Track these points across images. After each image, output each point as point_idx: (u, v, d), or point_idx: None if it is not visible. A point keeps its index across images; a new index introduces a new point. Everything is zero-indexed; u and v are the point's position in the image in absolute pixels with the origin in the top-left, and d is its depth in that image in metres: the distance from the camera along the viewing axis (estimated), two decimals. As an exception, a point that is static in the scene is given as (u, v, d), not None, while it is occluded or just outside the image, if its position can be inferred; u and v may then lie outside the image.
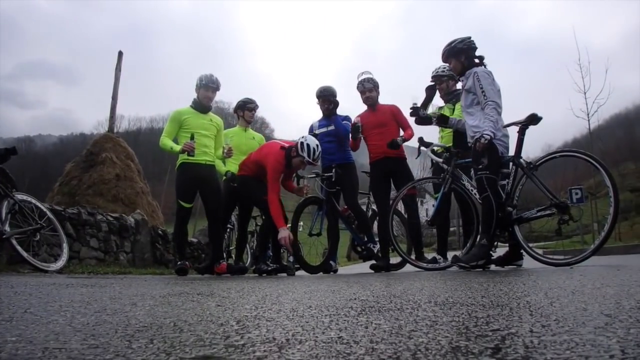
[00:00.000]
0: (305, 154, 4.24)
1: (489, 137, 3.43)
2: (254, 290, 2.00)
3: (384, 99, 4.93)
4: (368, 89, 4.75)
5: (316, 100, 5.05)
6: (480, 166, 3.52)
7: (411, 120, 4.52)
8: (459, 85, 4.45)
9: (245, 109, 5.23)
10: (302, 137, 4.37)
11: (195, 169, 4.40)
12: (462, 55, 3.82)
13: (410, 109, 4.31)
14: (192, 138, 4.33)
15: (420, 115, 4.24)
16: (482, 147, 3.46)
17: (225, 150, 4.60)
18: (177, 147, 4.32)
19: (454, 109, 4.45)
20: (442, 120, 4.09)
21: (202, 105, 4.61)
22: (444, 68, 4.48)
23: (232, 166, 4.97)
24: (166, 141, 4.40)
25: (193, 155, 4.31)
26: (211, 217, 4.58)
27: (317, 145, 4.32)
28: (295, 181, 4.95)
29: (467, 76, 3.78)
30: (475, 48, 3.85)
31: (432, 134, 4.91)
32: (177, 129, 4.47)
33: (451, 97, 4.52)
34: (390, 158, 4.63)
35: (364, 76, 4.80)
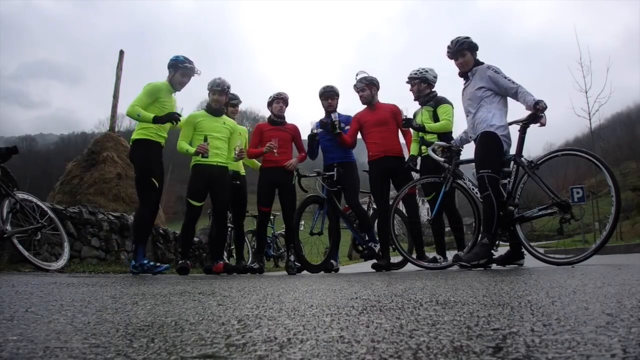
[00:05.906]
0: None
1: (543, 100, 3.40)
2: (255, 290, 2.00)
3: (385, 100, 4.94)
4: (360, 88, 4.82)
5: (320, 100, 5.07)
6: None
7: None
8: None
9: (229, 105, 5.24)
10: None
11: (207, 169, 4.52)
12: (475, 51, 3.86)
13: (403, 120, 4.43)
14: (205, 140, 4.47)
15: (414, 125, 4.41)
16: (542, 109, 3.43)
17: (237, 153, 4.60)
18: (192, 150, 4.45)
19: (422, 113, 4.60)
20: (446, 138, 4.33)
21: (213, 109, 4.67)
22: (417, 71, 4.64)
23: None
24: (183, 144, 4.55)
25: (207, 157, 4.43)
26: (219, 218, 4.66)
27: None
28: (296, 180, 4.92)
29: (473, 72, 3.79)
30: None
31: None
32: (192, 132, 4.60)
33: (426, 100, 4.63)
34: (389, 157, 4.63)
35: (359, 76, 4.84)
